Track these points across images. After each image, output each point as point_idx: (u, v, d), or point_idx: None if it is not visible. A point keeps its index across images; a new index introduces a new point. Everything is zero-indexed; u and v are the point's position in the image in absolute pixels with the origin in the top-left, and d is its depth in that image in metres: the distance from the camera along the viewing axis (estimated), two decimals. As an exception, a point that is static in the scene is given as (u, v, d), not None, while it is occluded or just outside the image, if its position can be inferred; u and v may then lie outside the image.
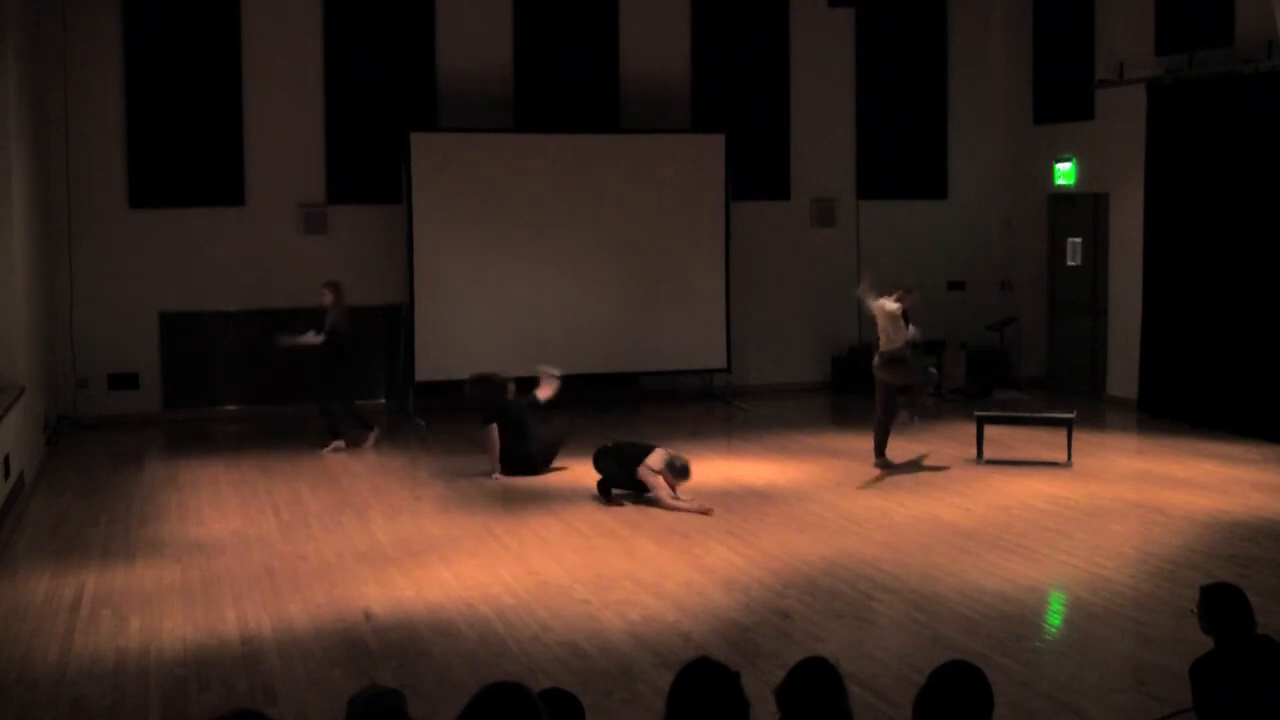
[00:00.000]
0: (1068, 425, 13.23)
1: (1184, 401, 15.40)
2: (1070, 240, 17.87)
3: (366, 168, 16.55)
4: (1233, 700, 5.24)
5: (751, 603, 8.85)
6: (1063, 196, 17.99)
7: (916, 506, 11.52)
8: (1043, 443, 13.72)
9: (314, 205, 16.49)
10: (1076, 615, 8.92)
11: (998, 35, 18.62)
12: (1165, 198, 15.69)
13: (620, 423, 15.08)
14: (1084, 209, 17.61)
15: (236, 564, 9.87)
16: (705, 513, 11.23)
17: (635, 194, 16.95)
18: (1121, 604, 8.83)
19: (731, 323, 17.32)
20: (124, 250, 15.91)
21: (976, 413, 13.88)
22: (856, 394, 17.60)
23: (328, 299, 14.27)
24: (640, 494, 11.71)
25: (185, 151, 16.08)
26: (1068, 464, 13.01)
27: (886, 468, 12.88)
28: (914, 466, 13.05)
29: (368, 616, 8.60)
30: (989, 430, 13.46)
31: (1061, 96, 17.80)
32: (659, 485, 11.57)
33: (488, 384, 13.41)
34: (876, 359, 13.02)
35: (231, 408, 16.34)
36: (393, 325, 16.41)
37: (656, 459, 11.61)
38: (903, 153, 18.51)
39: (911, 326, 12.97)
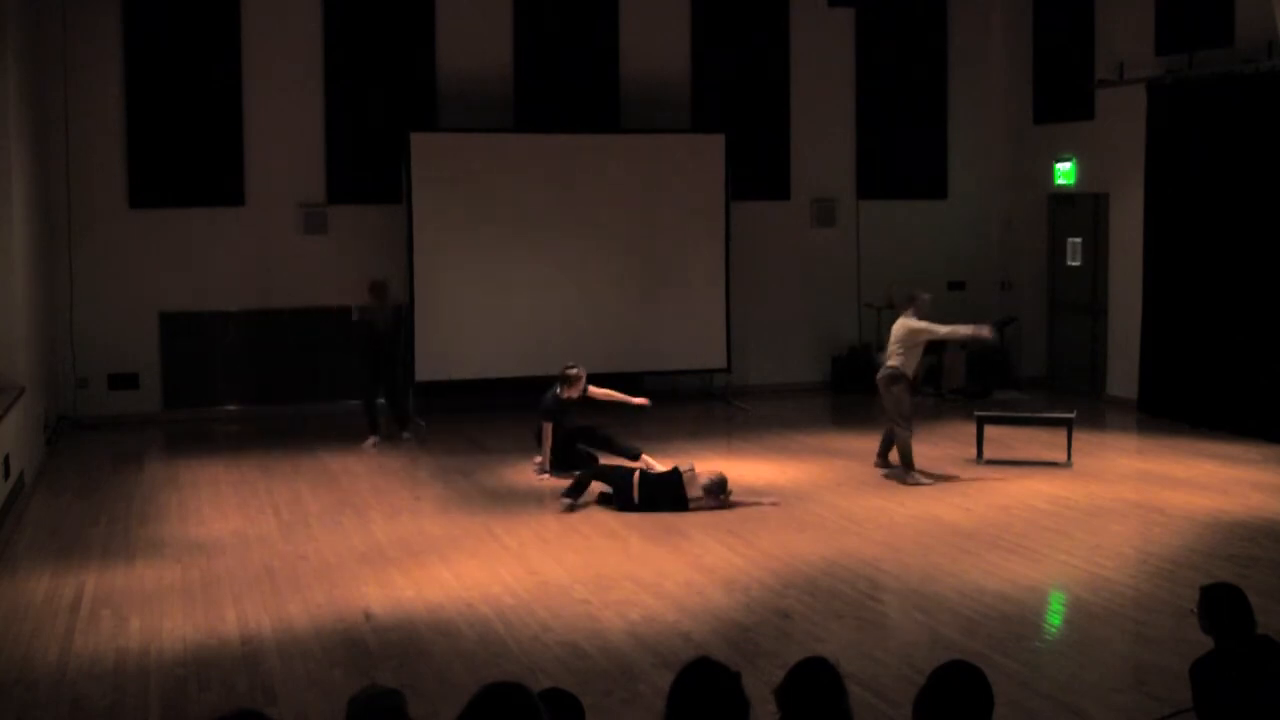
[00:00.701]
0: (1068, 425, 13.23)
1: (1184, 401, 15.40)
2: (1070, 240, 17.87)
3: (366, 168, 16.55)
4: (1233, 700, 5.24)
5: (751, 603, 8.85)
6: (1063, 196, 17.99)
7: (916, 506, 11.53)
8: (1043, 443, 13.72)
9: (314, 205, 16.49)
10: (1076, 615, 8.93)
11: (998, 35, 18.62)
12: (1165, 198, 15.69)
13: (619, 423, 15.03)
14: (1084, 209, 17.61)
15: (236, 564, 9.88)
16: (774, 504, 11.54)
17: (635, 194, 16.95)
18: (1121, 604, 8.83)
19: (731, 323, 17.32)
20: (124, 250, 15.91)
21: (976, 413, 13.88)
22: (856, 394, 17.63)
23: (373, 298, 14.58)
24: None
25: (185, 151, 16.08)
26: (1068, 464, 13.01)
27: (887, 467, 12.86)
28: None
29: (368, 616, 8.60)
30: (989, 430, 13.46)
31: (1061, 96, 17.80)
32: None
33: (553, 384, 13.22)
34: (882, 370, 12.74)
35: (231, 408, 16.34)
36: (397, 326, 16.39)
37: (695, 488, 11.48)
38: (903, 153, 18.50)
39: (972, 327, 12.71)
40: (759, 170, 17.83)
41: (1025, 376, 18.14)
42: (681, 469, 11.65)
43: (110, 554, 10.20)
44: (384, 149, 16.39)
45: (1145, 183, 15.98)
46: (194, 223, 16.15)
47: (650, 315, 16.98)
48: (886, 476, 12.62)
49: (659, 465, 12.45)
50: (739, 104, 17.71)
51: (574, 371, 13.11)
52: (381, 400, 14.83)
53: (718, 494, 11.45)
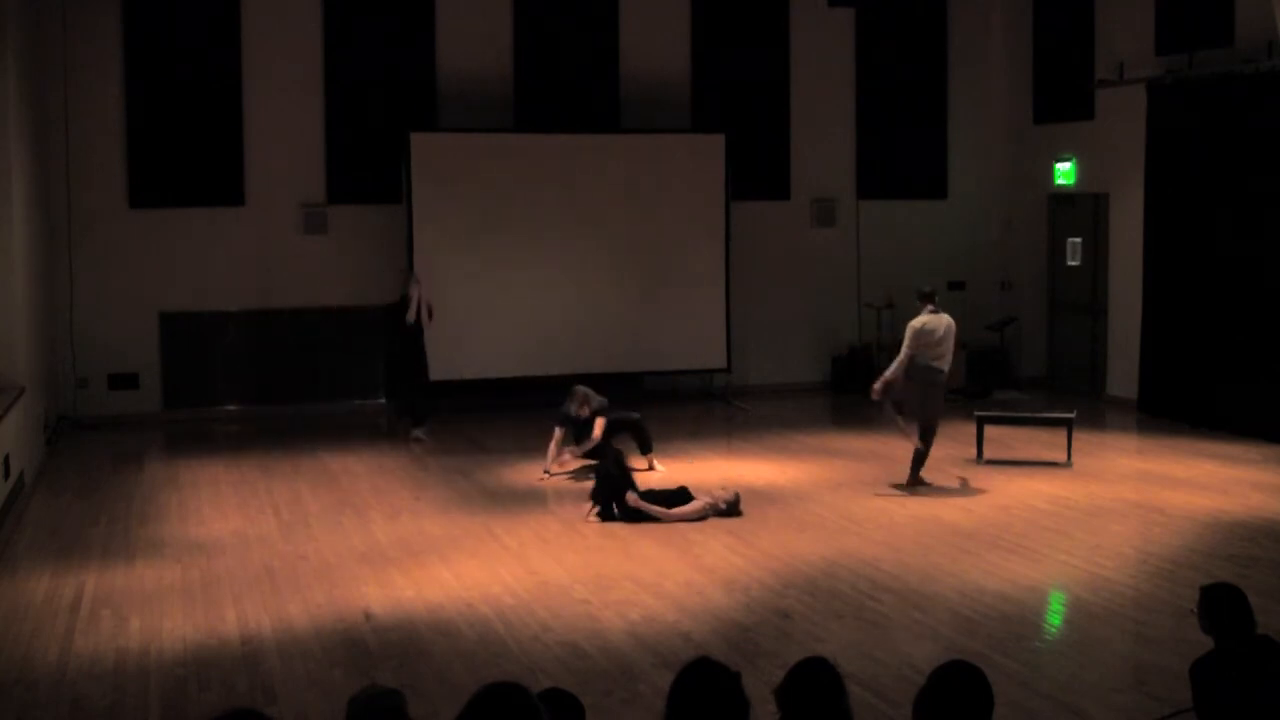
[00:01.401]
0: (1068, 425, 13.23)
1: (1184, 401, 15.39)
2: (1070, 240, 17.87)
3: (366, 168, 16.55)
4: (1233, 700, 5.24)
5: (751, 603, 8.85)
6: (1063, 196, 17.99)
7: (916, 506, 11.53)
8: (1043, 443, 13.72)
9: (314, 205, 16.49)
10: (1076, 615, 8.92)
11: (998, 35, 18.62)
12: (1165, 198, 15.69)
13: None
14: (1084, 209, 17.61)
15: (236, 564, 9.87)
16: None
17: (635, 194, 16.95)
18: (1121, 604, 8.83)
19: (731, 323, 17.32)
20: (124, 250, 15.91)
21: (976, 413, 13.87)
22: (856, 394, 17.61)
23: (415, 289, 14.66)
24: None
25: (185, 151, 16.08)
26: (1068, 464, 13.00)
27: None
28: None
29: (368, 616, 8.60)
30: (989, 430, 13.46)
31: (1061, 96, 17.81)
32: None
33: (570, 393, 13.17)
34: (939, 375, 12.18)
35: (231, 408, 16.34)
36: (393, 325, 16.39)
37: (697, 507, 11.33)
38: (903, 153, 18.50)
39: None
40: (759, 170, 17.83)
41: (1025, 376, 18.14)
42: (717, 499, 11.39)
43: (110, 554, 10.20)
44: (384, 149, 16.39)
45: (1145, 183, 15.98)
46: (194, 223, 16.15)
47: (650, 315, 16.98)
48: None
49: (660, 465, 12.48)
50: (739, 104, 17.71)
51: (577, 390, 13.07)
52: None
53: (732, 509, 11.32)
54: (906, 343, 11.96)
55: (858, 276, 18.28)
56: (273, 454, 14.01)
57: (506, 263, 16.40)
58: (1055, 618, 9.03)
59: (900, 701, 6.71)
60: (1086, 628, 8.56)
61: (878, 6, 17.63)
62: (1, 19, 12.55)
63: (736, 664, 4.18)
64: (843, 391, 17.84)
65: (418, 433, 14.68)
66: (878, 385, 12.05)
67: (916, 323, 12.02)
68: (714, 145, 17.13)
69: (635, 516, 11.03)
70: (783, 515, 11.25)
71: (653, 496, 11.28)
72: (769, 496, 11.92)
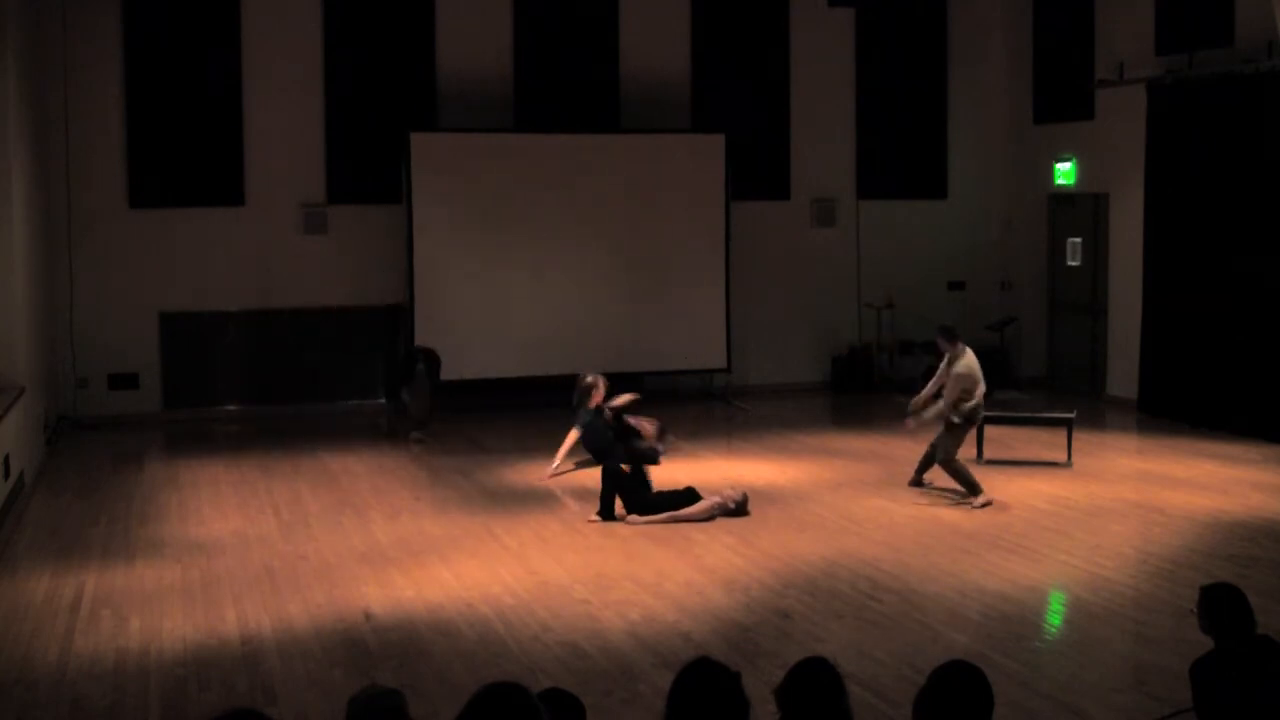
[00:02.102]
0: (1068, 425, 13.23)
1: (1184, 401, 15.39)
2: (1070, 240, 17.87)
3: (366, 168, 16.55)
4: (1233, 700, 5.24)
5: (751, 603, 8.85)
6: (1063, 196, 17.99)
7: (916, 506, 11.53)
8: (1043, 443, 13.72)
9: (314, 205, 16.49)
10: (1076, 615, 8.93)
11: (998, 35, 18.62)
12: (1165, 198, 15.69)
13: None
14: (1084, 209, 17.61)
15: (236, 564, 9.87)
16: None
17: (635, 194, 16.95)
18: (1121, 604, 8.83)
19: (731, 323, 17.32)
20: (124, 250, 15.91)
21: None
22: (856, 394, 17.66)
23: None
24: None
25: (185, 151, 16.08)
26: (1068, 464, 13.00)
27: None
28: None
29: (368, 616, 8.60)
30: (989, 430, 13.45)
31: (1061, 96, 17.80)
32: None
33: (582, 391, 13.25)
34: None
35: (231, 408, 16.34)
36: (392, 325, 16.42)
37: (704, 507, 11.32)
38: (903, 153, 18.51)
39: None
40: (759, 170, 17.83)
41: (1025, 376, 18.14)
42: (727, 498, 11.36)
43: (110, 554, 10.20)
44: (384, 149, 16.39)
45: (1145, 183, 15.98)
46: (194, 223, 16.15)
47: (650, 315, 16.98)
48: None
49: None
50: (739, 104, 17.71)
51: (587, 380, 13.18)
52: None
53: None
54: (960, 387, 11.59)
55: (858, 276, 18.28)
56: (273, 454, 14.01)
57: (506, 263, 16.40)
58: (1055, 618, 9.04)
59: (900, 701, 6.71)
60: (1086, 628, 8.56)
61: (878, 7, 17.63)
62: (1, 19, 12.55)
63: (736, 664, 4.18)
64: (843, 391, 17.85)
65: (418, 434, 14.67)
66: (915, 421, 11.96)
67: (965, 366, 11.62)
68: (714, 145, 17.13)
69: (642, 509, 11.07)
70: (783, 515, 11.25)
71: (661, 497, 11.29)
72: (769, 496, 11.92)
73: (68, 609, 8.82)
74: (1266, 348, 14.33)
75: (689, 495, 11.27)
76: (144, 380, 16.06)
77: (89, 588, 9.29)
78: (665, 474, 12.44)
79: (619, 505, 11.19)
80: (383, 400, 16.68)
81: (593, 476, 12.45)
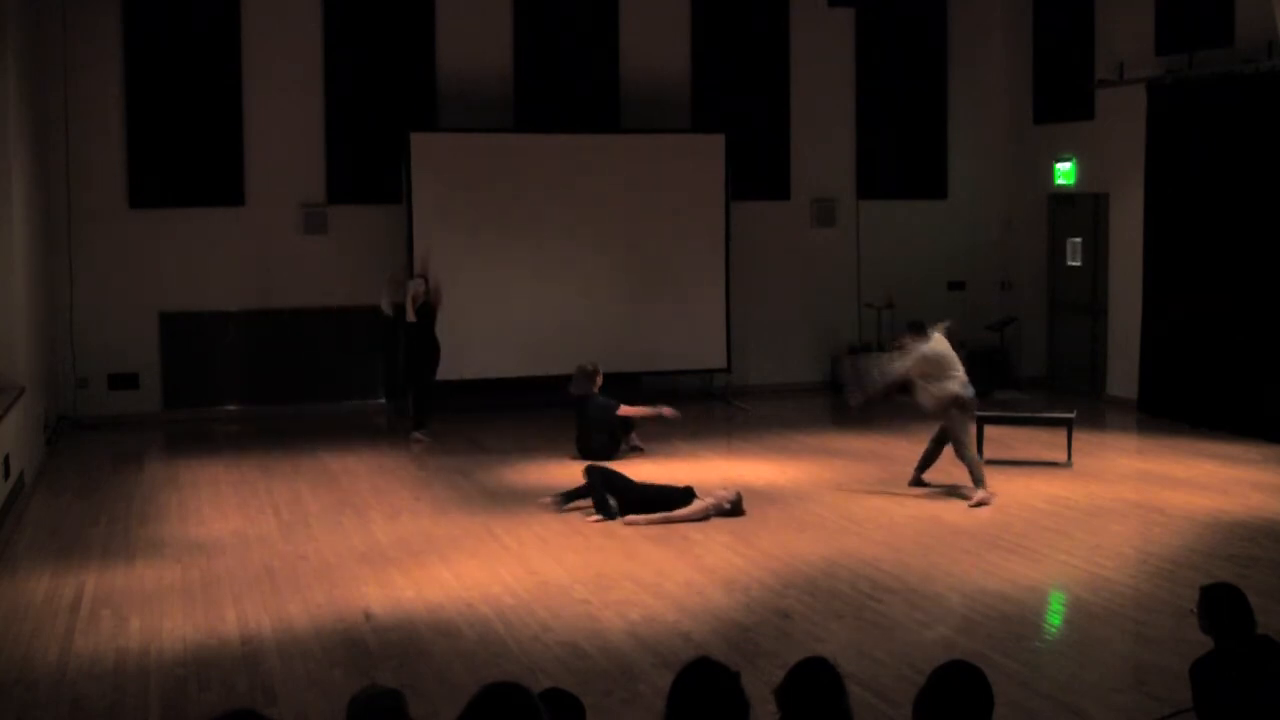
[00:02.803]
0: (1068, 425, 13.23)
1: (1184, 401, 15.39)
2: (1070, 240, 17.88)
3: (366, 168, 16.55)
4: (1233, 700, 5.24)
5: (751, 603, 8.85)
6: (1063, 196, 17.99)
7: (916, 506, 11.53)
8: (1043, 443, 13.72)
9: (314, 205, 16.49)
10: (1076, 615, 8.93)
11: (998, 35, 18.62)
12: (1165, 198, 15.69)
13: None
14: (1084, 209, 17.61)
15: (236, 564, 9.87)
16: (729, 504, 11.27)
17: (635, 194, 16.95)
18: (1121, 604, 8.83)
19: (731, 323, 17.32)
20: (124, 250, 15.91)
21: (976, 413, 13.85)
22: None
23: (415, 288, 14.70)
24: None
25: (185, 151, 16.08)
26: (1068, 464, 13.00)
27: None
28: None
29: (368, 616, 8.60)
30: (989, 430, 13.45)
31: (1061, 96, 17.80)
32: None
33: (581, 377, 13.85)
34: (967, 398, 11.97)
35: (231, 408, 16.34)
36: (392, 325, 16.40)
37: (699, 508, 11.33)
38: (903, 153, 18.51)
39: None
40: (759, 170, 17.83)
41: (1025, 376, 18.14)
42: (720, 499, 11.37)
43: (110, 554, 10.20)
44: (384, 149, 16.39)
45: (1145, 183, 15.98)
46: (194, 223, 16.15)
47: (650, 315, 16.98)
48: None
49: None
50: (739, 104, 17.70)
51: (590, 366, 13.84)
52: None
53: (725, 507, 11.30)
54: (923, 366, 11.73)
55: (858, 276, 18.28)
56: (273, 454, 14.01)
57: (506, 263, 16.39)
58: (1055, 618, 9.04)
59: (900, 701, 6.71)
60: (1086, 628, 8.56)
61: (878, 7, 17.62)
62: (1, 19, 12.55)
63: (736, 664, 4.18)
64: (843, 391, 17.82)
65: (417, 434, 14.67)
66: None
67: (929, 349, 11.73)
68: (714, 145, 17.13)
69: (636, 507, 11.07)
70: (783, 515, 11.25)
71: (656, 494, 11.29)
72: (769, 496, 11.92)
73: (68, 609, 8.82)
74: (1267, 348, 14.33)
75: (685, 495, 11.26)
76: (144, 380, 16.06)
77: (89, 588, 9.29)
78: (666, 473, 12.44)
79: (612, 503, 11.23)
80: (383, 400, 16.68)
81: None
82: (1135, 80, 15.98)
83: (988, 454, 13.18)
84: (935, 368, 11.75)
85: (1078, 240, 17.74)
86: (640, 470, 12.29)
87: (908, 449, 13.38)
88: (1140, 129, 15.96)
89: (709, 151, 17.12)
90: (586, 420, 13.66)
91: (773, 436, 14.93)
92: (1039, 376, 18.22)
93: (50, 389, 15.00)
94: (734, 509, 11.18)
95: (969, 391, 11.80)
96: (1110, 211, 17.04)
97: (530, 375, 16.42)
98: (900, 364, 11.94)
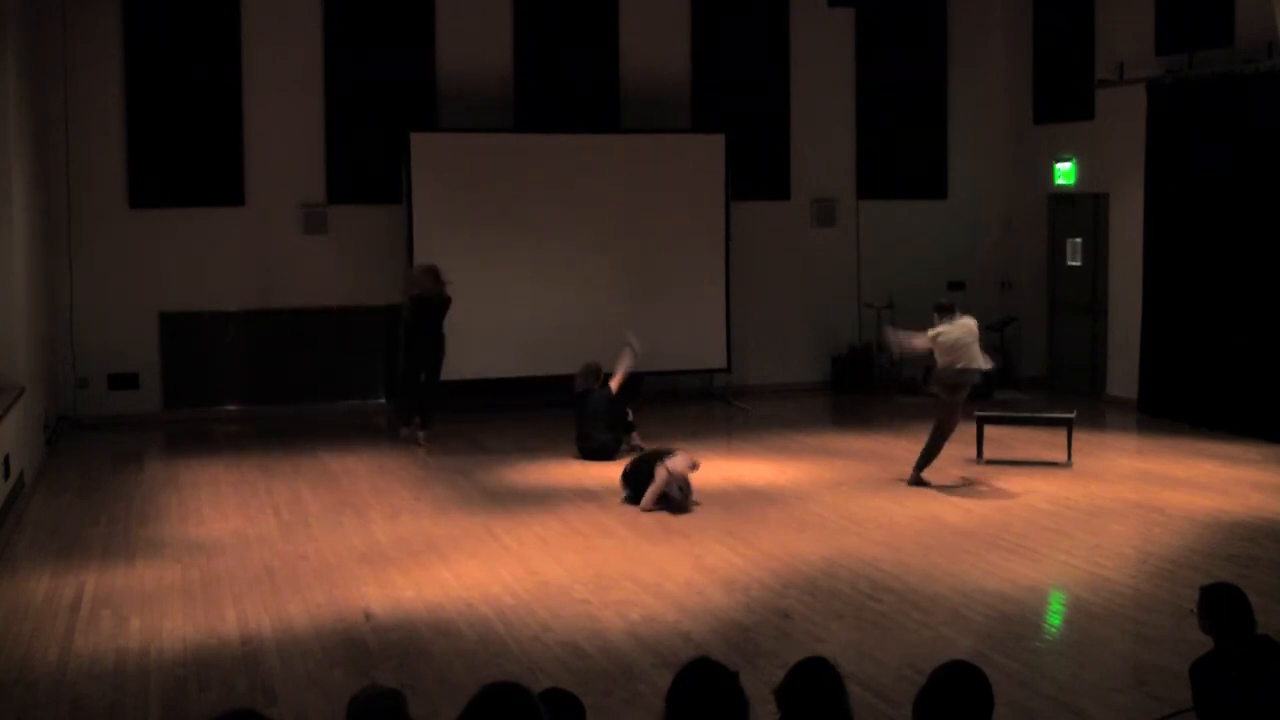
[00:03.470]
0: (1068, 425, 13.23)
1: (1184, 401, 15.39)
2: (1070, 240, 17.88)
3: (366, 168, 16.55)
4: (1233, 700, 5.24)
5: (751, 603, 8.85)
6: (1063, 196, 17.99)
7: (916, 506, 11.53)
8: (1043, 443, 13.72)
9: (314, 205, 16.49)
10: (1076, 615, 8.92)
11: (998, 35, 18.62)
12: (1165, 198, 15.69)
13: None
14: (1084, 209, 17.61)
15: (236, 564, 9.87)
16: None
17: (635, 194, 16.95)
18: (1121, 604, 8.83)
19: (731, 323, 17.32)
20: (124, 250, 15.91)
21: (976, 413, 13.85)
22: (857, 394, 17.65)
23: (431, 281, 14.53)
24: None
25: (185, 151, 16.08)
26: (1068, 464, 13.00)
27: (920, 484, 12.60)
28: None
29: (368, 616, 8.60)
30: (989, 430, 13.45)
31: (1061, 96, 17.80)
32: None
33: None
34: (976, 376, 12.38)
35: (231, 408, 16.34)
36: (392, 325, 16.41)
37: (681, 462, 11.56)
38: (903, 153, 18.51)
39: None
40: (759, 170, 17.83)
41: (1025, 376, 18.14)
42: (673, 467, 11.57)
43: (110, 554, 10.20)
44: (384, 149, 16.38)
45: (1145, 183, 15.98)
46: (194, 223, 16.15)
47: (650, 315, 16.95)
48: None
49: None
50: (739, 104, 17.70)
51: (595, 363, 14.13)
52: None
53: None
54: (935, 346, 12.17)
55: (858, 276, 18.28)
56: (273, 454, 14.01)
57: (506, 263, 16.39)
58: (1055, 618, 9.04)
59: (900, 701, 6.71)
60: (1086, 628, 8.56)
61: (878, 6, 17.63)
62: (1, 19, 12.55)
63: (736, 664, 4.18)
64: (843, 391, 17.85)
65: (421, 434, 14.54)
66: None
67: (945, 332, 12.11)
68: (714, 145, 17.13)
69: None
70: (783, 515, 11.25)
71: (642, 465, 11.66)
72: (769, 496, 11.93)
73: (68, 609, 8.82)
74: (1267, 347, 14.33)
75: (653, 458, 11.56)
76: (144, 380, 16.06)
77: (89, 588, 9.29)
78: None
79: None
80: (383, 400, 16.68)
81: (594, 476, 12.51)
82: (1135, 80, 15.99)
83: (988, 454, 13.23)
84: (949, 352, 12.01)
85: (1078, 240, 17.74)
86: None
87: (908, 449, 13.39)
88: (1140, 129, 15.96)
89: (709, 151, 17.12)
90: (588, 415, 13.66)
91: (773, 436, 14.93)
92: (1039, 376, 18.22)
93: (50, 389, 14.99)
94: (677, 503, 11.31)
95: (970, 374, 12.13)
96: (1110, 211, 17.04)
97: (530, 375, 16.42)
98: (919, 340, 12.32)
